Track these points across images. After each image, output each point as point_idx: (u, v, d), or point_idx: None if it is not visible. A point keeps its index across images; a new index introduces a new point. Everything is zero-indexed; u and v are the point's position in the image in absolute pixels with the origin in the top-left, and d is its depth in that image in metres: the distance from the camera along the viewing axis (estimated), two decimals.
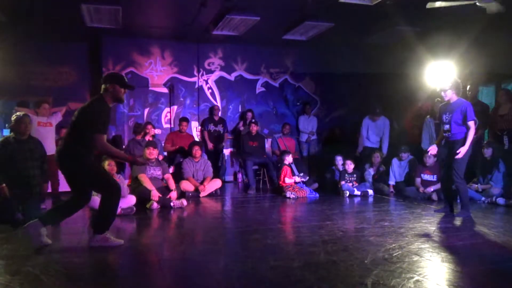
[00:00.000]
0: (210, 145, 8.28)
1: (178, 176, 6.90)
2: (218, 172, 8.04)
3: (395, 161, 7.24)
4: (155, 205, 5.69)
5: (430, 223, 4.64)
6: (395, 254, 3.34)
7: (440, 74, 6.28)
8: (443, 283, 2.71)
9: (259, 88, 9.49)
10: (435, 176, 6.50)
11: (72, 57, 8.47)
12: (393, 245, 3.63)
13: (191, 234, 4.50)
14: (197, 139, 8.50)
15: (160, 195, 5.77)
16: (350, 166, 7.14)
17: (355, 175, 7.13)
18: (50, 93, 8.12)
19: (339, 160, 7.50)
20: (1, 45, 7.18)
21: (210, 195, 6.88)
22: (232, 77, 9.31)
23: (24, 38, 7.78)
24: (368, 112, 7.99)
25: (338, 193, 6.92)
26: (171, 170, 7.28)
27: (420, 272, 2.91)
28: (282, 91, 9.64)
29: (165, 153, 7.79)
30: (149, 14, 7.13)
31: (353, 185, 7.00)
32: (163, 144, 7.75)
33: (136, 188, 5.83)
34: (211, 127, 8.45)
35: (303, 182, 7.06)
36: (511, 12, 5.44)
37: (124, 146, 7.62)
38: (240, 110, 9.36)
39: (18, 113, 4.90)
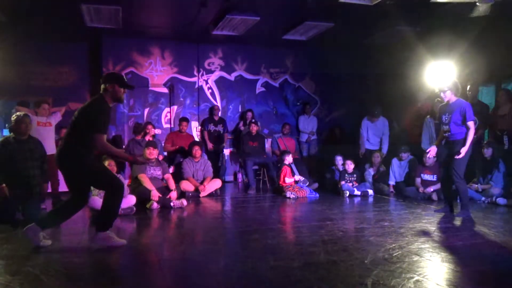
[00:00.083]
0: (210, 145, 8.28)
1: (178, 176, 6.90)
2: (218, 172, 8.04)
3: (395, 161, 7.24)
4: (155, 205, 5.69)
5: (430, 223, 4.64)
6: (395, 254, 3.34)
7: (440, 74, 6.29)
8: (443, 283, 2.71)
9: (259, 88, 9.49)
10: (435, 176, 6.50)
11: (72, 57, 8.47)
12: (393, 245, 3.63)
13: (191, 234, 4.50)
14: (197, 139, 8.50)
15: (160, 195, 5.77)
16: (350, 166, 7.14)
17: (355, 175, 7.13)
18: (50, 93, 8.12)
19: (339, 160, 7.50)
20: (1, 45, 7.19)
21: (210, 195, 6.88)
22: (232, 77, 9.31)
23: (24, 38, 7.78)
24: (367, 112, 7.99)
25: (338, 193, 6.92)
26: (171, 170, 7.28)
27: (420, 272, 2.91)
28: (282, 91, 9.64)
29: (165, 153, 7.79)
30: (149, 14, 7.13)
31: (353, 185, 7.01)
32: (163, 144, 7.75)
33: (136, 188, 5.83)
34: (211, 127, 8.45)
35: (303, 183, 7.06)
36: (511, 12, 5.45)
37: (124, 146, 7.62)
38: (240, 110, 9.35)
39: (18, 113, 4.90)
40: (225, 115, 9.16)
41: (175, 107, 8.91)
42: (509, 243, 3.81)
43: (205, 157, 7.43)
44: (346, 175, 7.10)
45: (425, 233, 4.12)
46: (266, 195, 7.15)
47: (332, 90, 9.74)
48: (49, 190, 5.94)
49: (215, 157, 8.28)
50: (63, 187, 5.86)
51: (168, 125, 8.88)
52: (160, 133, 8.43)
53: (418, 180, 6.66)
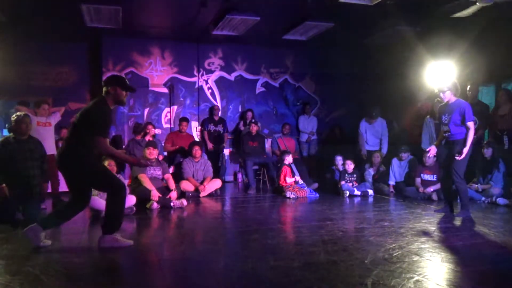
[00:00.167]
0: (210, 145, 8.29)
1: (178, 176, 6.90)
2: (218, 172, 8.04)
3: (395, 161, 7.24)
4: (155, 205, 5.69)
5: (430, 223, 4.64)
6: (395, 254, 3.34)
7: (440, 74, 6.28)
8: (443, 283, 2.71)
9: (259, 88, 9.49)
10: (435, 176, 6.50)
11: (72, 57, 8.47)
12: (393, 245, 3.63)
13: (191, 234, 4.50)
14: (197, 139, 8.50)
15: (160, 195, 5.77)
16: (350, 166, 7.14)
17: (355, 175, 7.13)
18: (50, 93, 8.13)
19: (339, 160, 7.50)
20: (1, 45, 7.19)
21: (210, 195, 6.88)
22: (232, 77, 9.31)
23: (24, 38, 7.79)
24: (365, 114, 7.97)
25: (338, 193, 6.92)
26: (171, 170, 7.28)
27: (420, 272, 2.91)
28: (282, 91, 9.65)
29: (165, 153, 7.79)
30: (149, 14, 7.14)
31: (353, 185, 7.00)
32: (163, 144, 7.75)
33: (136, 188, 5.83)
34: (211, 127, 8.45)
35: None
36: (511, 12, 5.45)
37: (124, 146, 7.62)
38: (240, 110, 9.36)
39: (18, 113, 4.90)
40: (225, 115, 9.16)
41: (175, 107, 8.91)
42: (509, 243, 3.81)
43: (205, 157, 7.43)
44: (346, 175, 7.10)
45: (425, 233, 4.12)
46: (266, 195, 7.15)
47: (332, 90, 9.74)
48: (49, 190, 5.94)
49: (215, 157, 8.28)
50: (63, 187, 5.87)
51: (168, 125, 8.89)
52: (160, 133, 8.43)
53: (418, 180, 6.66)
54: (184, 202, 5.89)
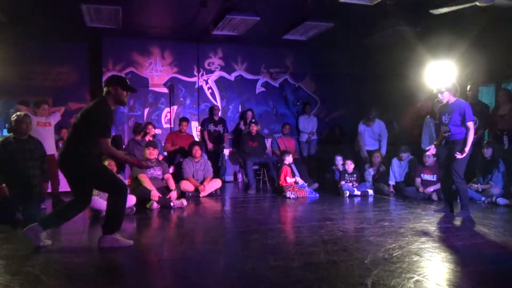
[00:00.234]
0: (210, 145, 8.29)
1: (178, 176, 6.90)
2: (218, 172, 8.04)
3: (395, 161, 7.24)
4: (155, 205, 5.69)
5: (430, 223, 4.64)
6: (395, 254, 3.34)
7: (440, 74, 6.29)
8: (443, 283, 2.71)
9: (259, 88, 9.49)
10: (435, 176, 6.49)
11: (72, 57, 8.47)
12: (393, 245, 3.63)
13: (191, 234, 4.50)
14: (197, 139, 8.50)
15: (160, 195, 5.77)
16: (350, 166, 7.14)
17: (355, 175, 7.13)
18: (50, 93, 8.13)
19: (339, 160, 7.50)
20: (1, 45, 7.19)
21: (210, 195, 6.88)
22: (232, 77, 9.31)
23: (24, 38, 7.79)
24: (362, 116, 7.96)
25: (338, 193, 6.92)
26: (171, 170, 7.28)
27: (420, 272, 2.91)
28: (282, 91, 9.65)
29: (165, 153, 7.79)
30: (149, 14, 7.14)
31: (353, 185, 7.00)
32: (163, 144, 7.75)
33: (136, 188, 5.82)
34: (211, 127, 8.45)
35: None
36: (511, 12, 5.45)
37: (124, 146, 7.62)
38: (240, 110, 9.36)
39: (18, 113, 4.90)
40: (225, 115, 9.16)
41: (175, 107, 8.91)
42: (509, 243, 3.81)
43: (205, 157, 7.43)
44: (346, 175, 7.10)
45: (425, 233, 4.12)
46: (266, 195, 7.15)
47: (332, 90, 9.74)
48: (49, 190, 5.94)
49: (215, 157, 8.28)
50: (63, 187, 5.87)
51: (168, 125, 8.89)
52: (160, 133, 8.43)
53: (418, 180, 6.66)
54: (184, 202, 5.89)
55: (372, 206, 6.01)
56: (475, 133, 5.00)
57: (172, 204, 5.76)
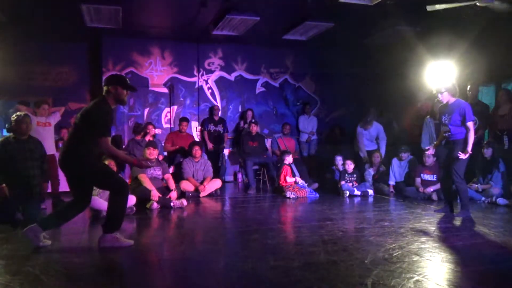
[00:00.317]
0: (210, 145, 8.29)
1: (178, 176, 6.90)
2: (218, 172, 8.04)
3: (395, 161, 7.24)
4: (155, 205, 5.69)
5: (430, 223, 4.64)
6: (395, 254, 3.34)
7: (440, 74, 6.29)
8: (443, 283, 2.71)
9: (259, 88, 9.49)
10: (435, 176, 6.49)
11: (72, 57, 8.47)
12: (393, 245, 3.63)
13: (191, 234, 4.50)
14: (197, 139, 8.50)
15: (160, 195, 5.77)
16: (350, 166, 7.14)
17: (355, 175, 7.13)
18: (50, 93, 8.13)
19: (339, 160, 7.50)
20: (1, 45, 7.19)
21: (210, 195, 6.88)
22: (232, 77, 9.31)
23: (24, 38, 7.79)
24: (360, 120, 7.96)
25: (338, 193, 6.92)
26: (171, 170, 7.28)
27: (420, 272, 2.91)
28: (282, 91, 9.65)
29: (165, 153, 7.79)
30: (149, 14, 7.14)
31: (353, 185, 7.00)
32: (163, 144, 7.75)
33: (136, 188, 5.82)
34: (211, 127, 8.45)
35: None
36: (511, 12, 5.45)
37: (124, 146, 7.62)
38: (240, 110, 9.36)
39: (18, 113, 4.89)
40: (225, 115, 9.16)
41: (175, 107, 8.91)
42: (509, 243, 3.81)
43: (205, 157, 7.43)
44: (346, 175, 7.10)
45: (425, 233, 4.12)
46: (266, 195, 7.15)
47: (332, 90, 9.74)
48: (49, 190, 5.94)
49: (215, 157, 8.28)
50: (63, 187, 5.87)
51: (168, 125, 8.89)
52: (160, 133, 8.43)
53: (418, 180, 6.66)
54: (184, 202, 5.89)
55: (372, 206, 6.01)
56: (475, 133, 5.00)
57: (172, 204, 5.76)
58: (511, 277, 2.96)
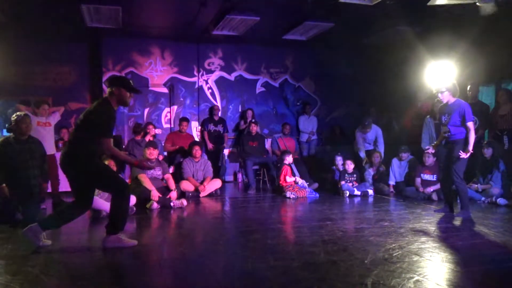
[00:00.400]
0: (210, 145, 8.29)
1: (178, 176, 6.90)
2: (218, 172, 8.04)
3: (395, 161, 7.24)
4: (155, 205, 5.69)
5: (430, 223, 4.64)
6: (395, 254, 3.34)
7: (440, 74, 6.28)
8: (443, 283, 2.71)
9: (259, 88, 9.49)
10: (435, 176, 6.49)
11: (72, 57, 8.47)
12: (393, 245, 3.63)
13: (191, 234, 4.50)
14: (197, 139, 8.50)
15: (160, 195, 5.77)
16: (350, 166, 7.14)
17: (355, 175, 7.12)
18: (50, 93, 8.13)
19: (339, 160, 7.50)
20: (1, 45, 7.19)
21: (210, 195, 6.88)
22: (232, 77, 9.31)
23: (24, 38, 7.79)
24: (358, 124, 7.96)
25: (338, 193, 6.92)
26: (171, 170, 7.28)
27: (420, 272, 2.91)
28: (282, 91, 9.64)
29: (165, 153, 7.79)
30: (149, 14, 7.13)
31: (353, 185, 7.00)
32: (163, 144, 7.75)
33: (136, 188, 5.82)
34: (211, 127, 8.46)
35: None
36: (511, 12, 5.45)
37: (124, 146, 7.62)
38: (240, 110, 9.36)
39: (18, 113, 4.89)
40: (225, 115, 9.16)
41: (175, 107, 8.91)
42: (509, 243, 3.81)
43: (205, 157, 7.43)
44: (346, 175, 7.10)
45: (425, 233, 4.12)
46: (266, 195, 7.15)
47: (332, 90, 9.73)
48: (49, 190, 5.94)
49: (215, 157, 8.28)
50: (63, 187, 5.87)
51: (168, 125, 8.89)
52: (160, 133, 8.43)
53: (418, 180, 6.66)
54: (184, 202, 5.89)
55: (372, 206, 6.01)
56: (475, 133, 4.99)
57: (172, 204, 5.76)
58: (511, 277, 2.96)
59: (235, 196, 7.24)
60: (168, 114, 8.89)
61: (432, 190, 6.39)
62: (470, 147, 4.79)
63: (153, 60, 8.76)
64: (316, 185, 7.41)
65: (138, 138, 7.20)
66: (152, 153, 6.04)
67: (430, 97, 7.27)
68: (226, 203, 6.53)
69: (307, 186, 7.04)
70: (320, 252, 3.44)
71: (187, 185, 6.73)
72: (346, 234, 4.13)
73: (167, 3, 6.69)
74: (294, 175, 7.17)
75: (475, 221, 4.72)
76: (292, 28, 7.69)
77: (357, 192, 6.84)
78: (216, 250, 3.66)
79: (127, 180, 6.74)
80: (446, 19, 6.43)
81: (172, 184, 6.11)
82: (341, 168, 7.35)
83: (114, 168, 5.53)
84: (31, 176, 4.82)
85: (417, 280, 2.73)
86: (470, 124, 4.81)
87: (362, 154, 7.79)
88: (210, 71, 9.17)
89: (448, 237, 4.06)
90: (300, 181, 7.05)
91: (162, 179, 6.19)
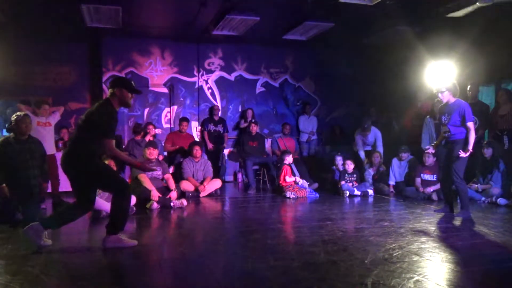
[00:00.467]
0: (210, 145, 8.29)
1: (178, 176, 6.90)
2: (218, 172, 8.04)
3: (395, 161, 7.24)
4: (155, 205, 5.69)
5: (430, 223, 4.64)
6: (395, 254, 3.34)
7: (440, 74, 6.28)
8: (443, 283, 2.71)
9: (259, 88, 9.49)
10: (435, 176, 6.49)
11: (72, 57, 8.46)
12: (393, 245, 3.63)
13: (191, 234, 4.50)
14: (197, 139, 8.50)
15: (160, 195, 5.77)
16: (350, 166, 7.14)
17: (355, 175, 7.12)
18: (50, 93, 8.13)
19: (339, 160, 7.50)
20: (1, 45, 7.19)
21: (210, 195, 6.88)
22: (232, 77, 9.31)
23: (24, 38, 7.79)
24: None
25: (338, 193, 6.92)
26: (171, 170, 7.28)
27: (420, 272, 2.91)
28: (282, 91, 9.64)
29: (165, 153, 7.79)
30: (149, 14, 7.13)
31: (353, 185, 7.00)
32: (163, 144, 7.75)
33: (136, 188, 5.82)
34: (211, 127, 8.46)
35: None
36: (511, 12, 5.45)
37: (123, 146, 7.62)
38: (240, 110, 9.36)
39: (18, 113, 4.89)
40: (225, 115, 9.16)
41: (175, 107, 8.91)
42: (509, 243, 3.81)
43: (205, 157, 7.43)
44: (346, 175, 7.10)
45: (425, 233, 4.12)
46: (266, 195, 7.15)
47: (332, 90, 9.73)
48: (49, 190, 5.94)
49: (215, 157, 8.28)
50: (63, 187, 5.88)
51: (168, 125, 8.89)
52: (160, 133, 8.43)
53: (418, 180, 6.66)
54: (184, 202, 5.89)
55: (372, 206, 6.01)
56: (475, 133, 4.99)
57: (172, 204, 5.76)
58: (511, 277, 2.96)
59: (235, 196, 7.24)
60: (168, 114, 8.89)
61: (432, 190, 6.39)
62: (470, 147, 4.79)
63: (153, 60, 8.76)
64: (316, 185, 7.41)
65: (138, 138, 7.20)
66: (152, 153, 6.05)
67: (430, 97, 7.27)
68: (226, 203, 6.53)
69: (307, 186, 7.04)
70: (320, 252, 3.44)
71: (187, 185, 6.73)
72: (346, 234, 4.13)
73: (167, 3, 6.69)
74: (294, 175, 7.17)
75: (475, 221, 4.72)
76: (292, 28, 7.69)
77: (357, 192, 6.84)
78: (216, 250, 3.66)
79: (127, 180, 6.75)
80: (446, 19, 6.42)
81: (172, 184, 6.11)
82: (341, 168, 7.35)
83: (114, 168, 5.53)
84: (31, 176, 4.82)
85: (417, 280, 2.73)
86: (470, 124, 4.81)
87: (362, 156, 7.79)
88: (210, 71, 9.17)
89: (448, 237, 4.06)
90: (300, 181, 7.06)
91: (162, 179, 6.19)
